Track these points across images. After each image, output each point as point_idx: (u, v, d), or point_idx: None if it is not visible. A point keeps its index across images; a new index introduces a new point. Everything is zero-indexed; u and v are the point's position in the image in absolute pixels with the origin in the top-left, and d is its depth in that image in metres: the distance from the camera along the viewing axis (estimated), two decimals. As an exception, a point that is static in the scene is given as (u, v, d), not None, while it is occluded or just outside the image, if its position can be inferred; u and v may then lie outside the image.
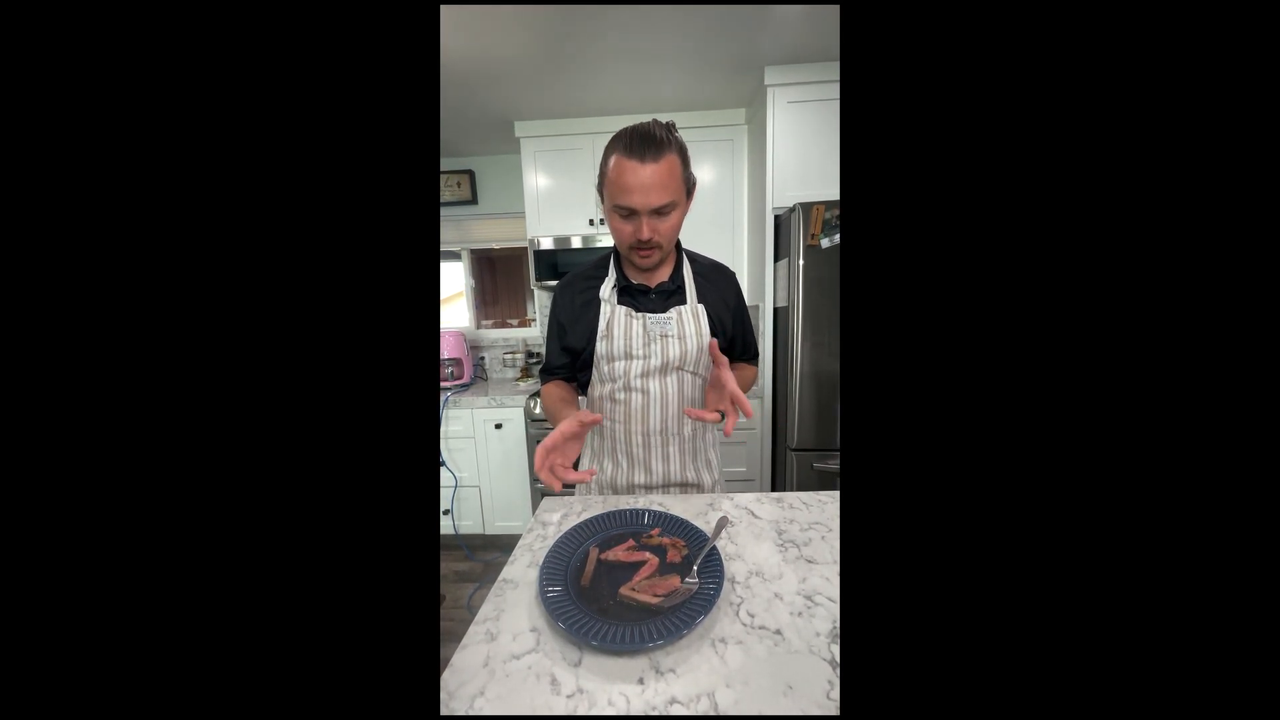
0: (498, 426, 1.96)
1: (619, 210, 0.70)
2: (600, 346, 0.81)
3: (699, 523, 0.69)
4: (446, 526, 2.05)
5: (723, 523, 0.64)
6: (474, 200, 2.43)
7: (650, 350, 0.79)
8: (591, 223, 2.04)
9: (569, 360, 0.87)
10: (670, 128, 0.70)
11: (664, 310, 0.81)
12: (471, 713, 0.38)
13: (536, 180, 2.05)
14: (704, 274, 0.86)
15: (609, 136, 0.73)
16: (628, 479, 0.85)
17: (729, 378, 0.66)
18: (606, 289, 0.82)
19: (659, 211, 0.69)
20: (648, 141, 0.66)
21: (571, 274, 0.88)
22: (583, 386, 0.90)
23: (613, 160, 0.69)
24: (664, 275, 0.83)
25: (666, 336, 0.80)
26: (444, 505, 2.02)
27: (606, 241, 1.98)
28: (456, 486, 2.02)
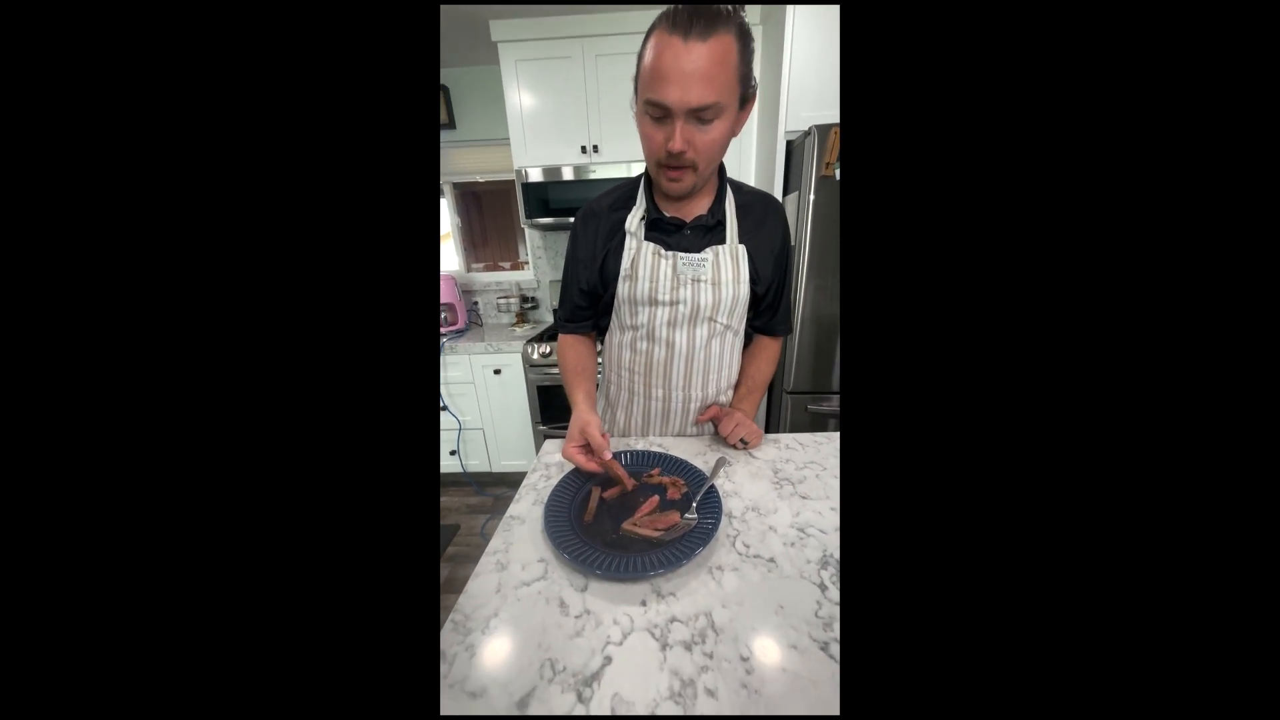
0: (496, 372, 1.96)
1: (650, 109, 0.55)
2: (622, 288, 0.72)
3: (698, 463, 0.71)
4: (454, 465, 2.14)
5: (721, 463, 0.66)
6: (451, 124, 2.19)
7: (679, 295, 0.70)
8: (584, 150, 1.85)
9: (589, 304, 0.78)
10: (736, 5, 0.52)
11: (699, 250, 0.70)
12: (486, 631, 0.42)
13: (520, 98, 1.82)
14: (748, 208, 0.73)
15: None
16: (641, 432, 0.85)
17: (731, 423, 0.72)
18: (633, 220, 0.71)
19: (699, 115, 0.53)
20: (698, 14, 0.49)
21: (593, 202, 0.75)
22: (601, 331, 0.82)
23: (651, 40, 0.53)
24: (702, 207, 0.70)
25: (699, 281, 0.69)
26: (450, 446, 2.10)
27: (603, 173, 1.82)
28: (461, 429, 2.08)
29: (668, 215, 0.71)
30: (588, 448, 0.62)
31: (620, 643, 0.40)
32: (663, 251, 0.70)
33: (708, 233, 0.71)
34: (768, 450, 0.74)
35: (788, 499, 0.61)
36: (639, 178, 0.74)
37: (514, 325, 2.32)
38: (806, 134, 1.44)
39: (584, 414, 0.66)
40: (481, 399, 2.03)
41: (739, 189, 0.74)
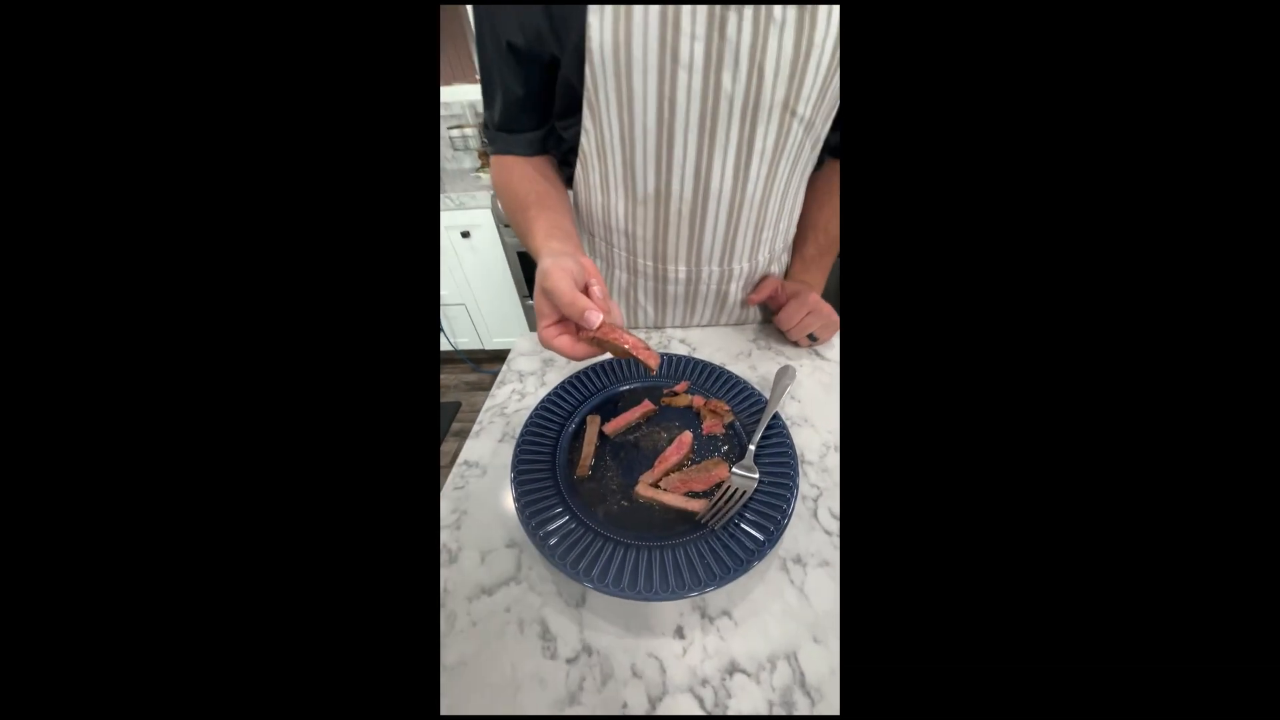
0: (465, 235, 1.59)
1: None
2: (594, 29, 0.34)
3: (742, 369, 0.47)
4: (444, 344, 1.98)
5: (785, 377, 0.42)
6: None
7: (719, 53, 0.34)
8: None
9: (529, 91, 0.42)
10: None
11: None
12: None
13: None
14: None
15: None
16: (653, 320, 0.56)
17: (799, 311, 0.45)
18: None
19: None
20: None
21: None
22: (566, 150, 0.49)
23: None
24: None
25: (762, 14, 0.33)
26: (433, 324, 1.89)
27: None
28: (441, 306, 1.83)
29: None
30: (569, 326, 0.33)
31: (646, 715, 0.23)
32: None
33: None
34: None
35: (887, 429, 0.40)
36: None
37: (479, 170, 1.80)
38: None
39: (555, 260, 0.32)
40: (454, 270, 1.70)
41: None
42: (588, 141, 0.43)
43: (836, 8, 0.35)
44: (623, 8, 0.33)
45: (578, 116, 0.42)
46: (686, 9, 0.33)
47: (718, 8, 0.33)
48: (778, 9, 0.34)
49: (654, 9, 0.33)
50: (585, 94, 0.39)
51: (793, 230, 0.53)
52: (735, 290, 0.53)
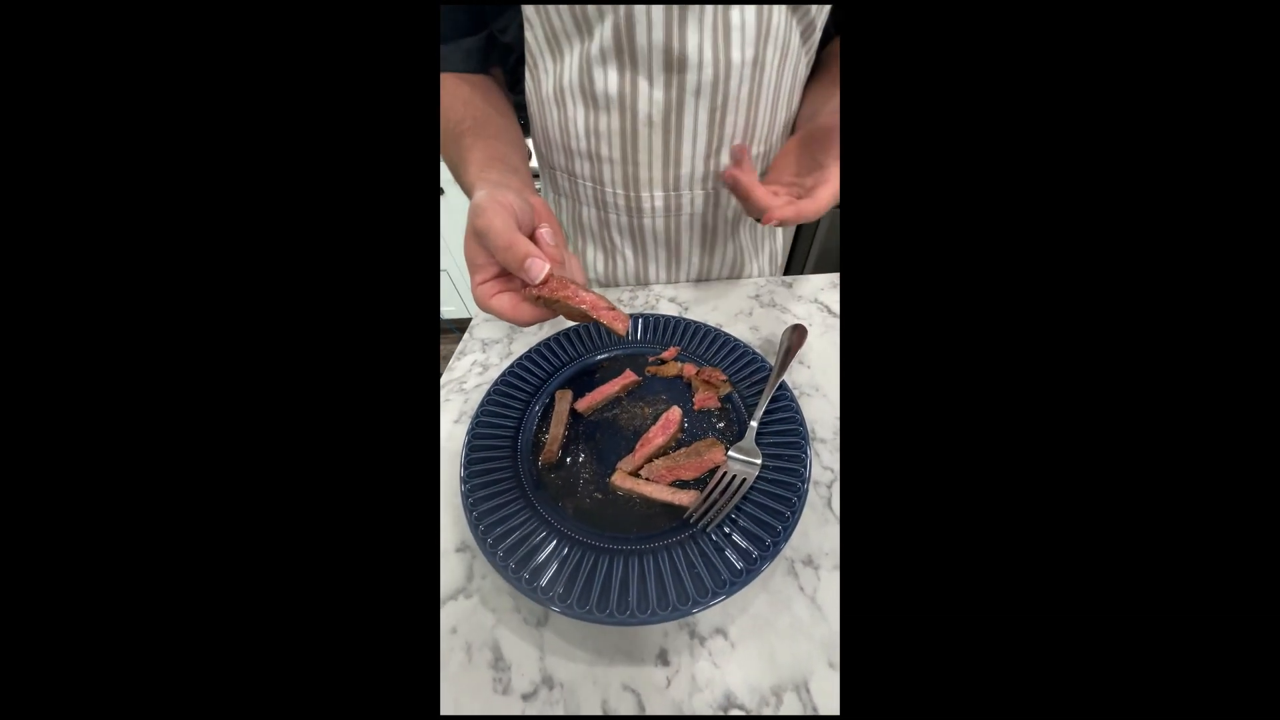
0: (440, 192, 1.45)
1: None
2: None
3: (741, 331, 0.40)
4: (428, 312, 1.89)
5: (796, 337, 0.35)
6: None
7: None
8: None
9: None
10: None
11: None
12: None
13: None
14: None
15: None
16: (636, 275, 0.48)
17: (762, 193, 0.31)
18: None
19: None
20: None
21: None
22: (513, 78, 0.41)
23: None
24: None
25: None
26: (415, 292, 1.79)
27: None
28: (420, 271, 1.72)
29: None
30: (512, 281, 0.26)
31: (619, 770, 0.18)
32: None
33: None
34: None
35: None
36: None
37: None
38: None
39: (492, 193, 0.25)
40: (433, 231, 1.58)
41: None
42: (532, 36, 0.34)
43: None
44: None
45: (516, 9, 0.32)
46: None
47: None
48: None
49: None
50: None
51: (785, 136, 0.41)
52: (724, 226, 0.44)
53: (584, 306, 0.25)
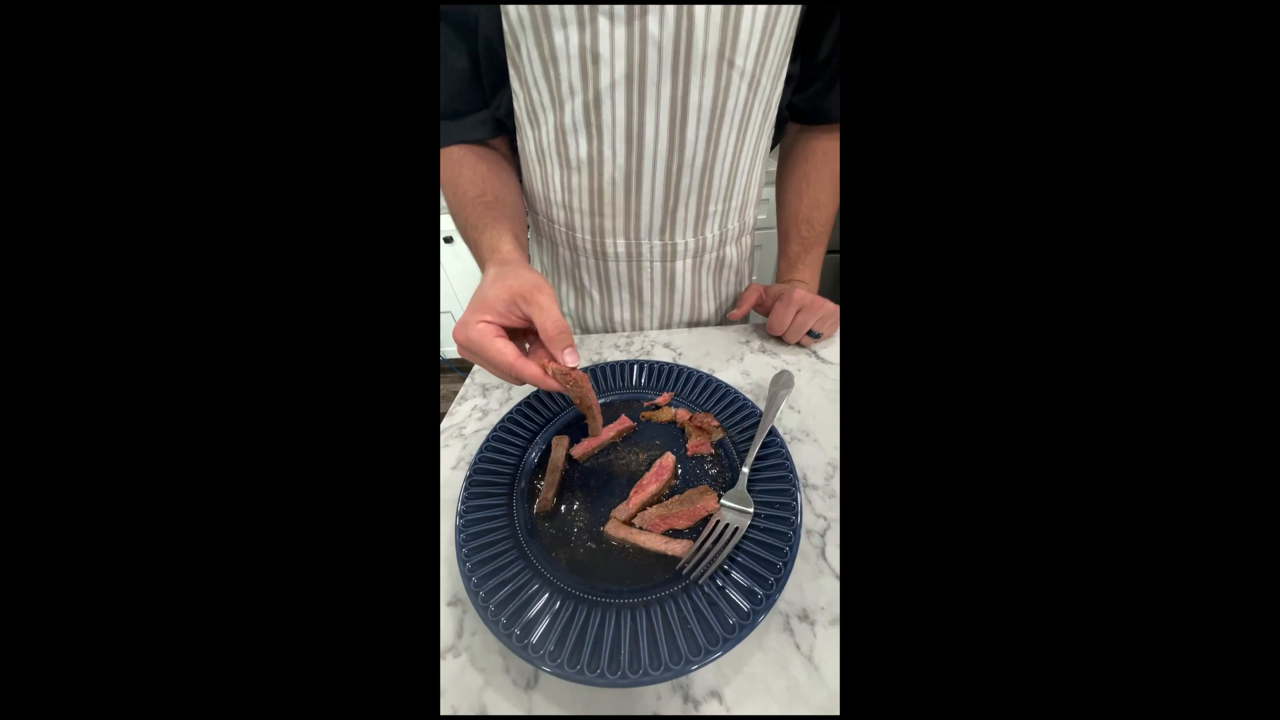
0: (448, 240, 1.53)
1: None
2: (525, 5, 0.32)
3: (733, 376, 0.42)
4: (430, 353, 1.91)
5: (782, 385, 0.37)
6: None
7: (657, 15, 0.31)
8: None
9: (474, 73, 0.39)
10: None
11: None
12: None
13: None
14: None
15: None
16: (602, 313, 0.51)
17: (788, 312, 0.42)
18: None
19: None
20: None
21: None
22: (510, 129, 0.45)
23: None
24: None
25: None
26: (418, 333, 1.83)
27: None
28: (425, 313, 1.77)
29: None
30: (519, 333, 0.31)
31: None
32: None
33: None
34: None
35: (902, 442, 0.34)
36: None
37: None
38: None
39: (509, 271, 0.30)
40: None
41: None
42: (519, 107, 0.39)
43: None
44: None
45: (506, 90, 0.39)
46: None
47: None
48: None
49: None
50: (508, 53, 0.36)
51: (749, 209, 0.48)
52: (683, 272, 0.48)
53: (590, 402, 0.31)
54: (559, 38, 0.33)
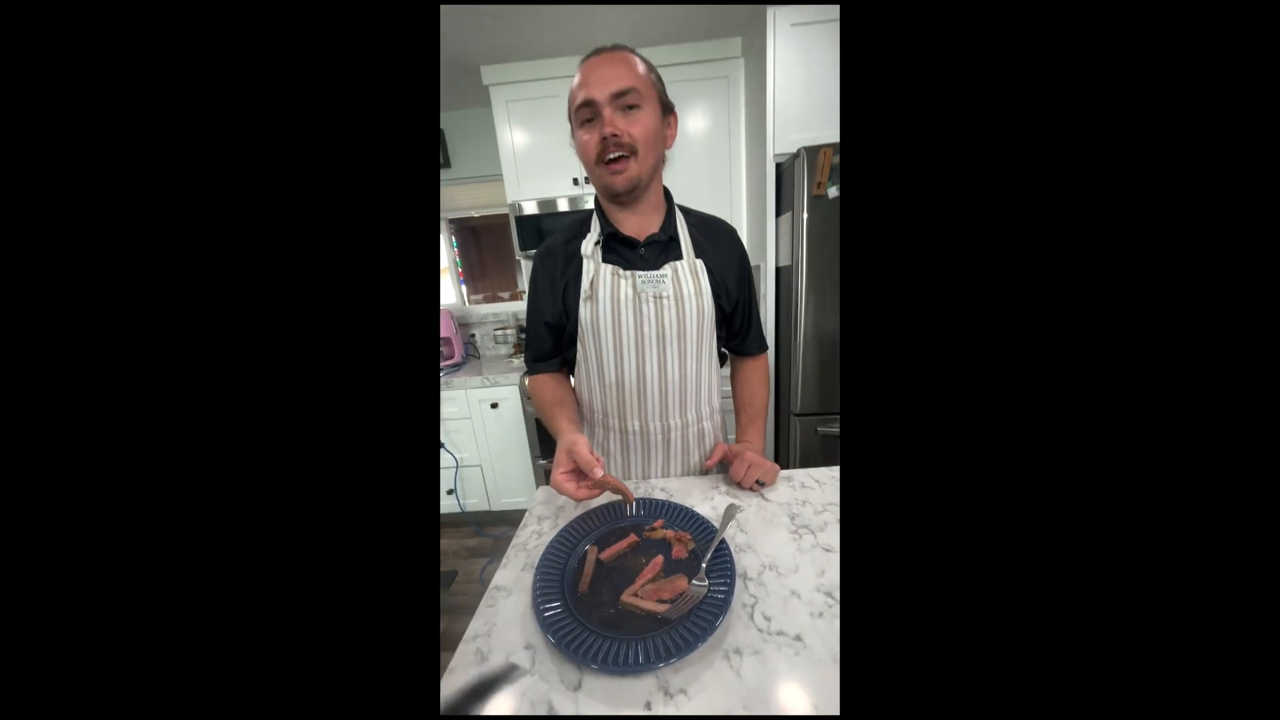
0: (493, 406, 1.90)
1: (580, 114, 0.63)
2: (583, 312, 0.70)
3: (704, 509, 0.64)
4: (452, 505, 2.05)
5: (731, 511, 0.59)
6: (447, 163, 2.23)
7: (642, 315, 0.69)
8: (576, 182, 1.86)
9: (554, 340, 0.77)
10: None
11: (657, 267, 0.71)
12: (460, 753, 0.34)
13: (512, 137, 1.85)
14: (700, 228, 0.75)
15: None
16: (621, 468, 0.80)
17: (742, 466, 0.68)
18: (588, 244, 0.71)
19: (623, 101, 0.61)
20: (603, 48, 0.64)
21: (548, 240, 0.77)
22: (570, 367, 0.81)
23: (574, 77, 0.64)
24: (653, 226, 0.72)
25: (661, 298, 0.69)
26: (448, 485, 2.02)
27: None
28: (458, 467, 2.00)
29: (623, 233, 0.71)
30: (578, 473, 0.58)
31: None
32: (621, 271, 0.71)
33: (663, 250, 0.73)
34: (781, 491, 0.67)
35: (809, 552, 0.54)
36: (590, 212, 0.75)
37: (511, 356, 2.27)
38: (796, 156, 1.43)
39: (568, 435, 0.61)
40: (479, 434, 1.96)
41: (688, 212, 0.77)
42: (580, 357, 0.76)
43: (708, 293, 0.71)
44: (593, 302, 0.70)
45: (574, 347, 0.76)
46: (624, 298, 0.69)
47: (644, 295, 0.69)
48: (669, 300, 0.69)
49: (606, 302, 0.69)
50: (580, 335, 0.74)
51: (713, 398, 0.80)
52: (677, 439, 0.77)
53: (615, 486, 0.56)
54: (603, 329, 0.71)
